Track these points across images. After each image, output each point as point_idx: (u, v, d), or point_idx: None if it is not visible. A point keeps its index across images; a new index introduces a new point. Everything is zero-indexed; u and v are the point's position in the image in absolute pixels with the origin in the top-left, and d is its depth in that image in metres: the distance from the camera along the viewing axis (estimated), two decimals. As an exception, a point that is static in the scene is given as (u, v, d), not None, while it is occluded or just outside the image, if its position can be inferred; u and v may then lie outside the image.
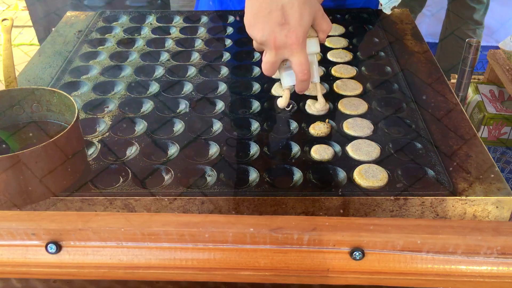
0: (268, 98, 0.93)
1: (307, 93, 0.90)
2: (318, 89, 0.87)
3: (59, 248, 0.44)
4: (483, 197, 0.71)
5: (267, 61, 0.77)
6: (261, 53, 0.83)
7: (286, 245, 0.44)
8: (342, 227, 0.44)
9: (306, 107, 0.91)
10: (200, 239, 0.45)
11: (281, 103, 0.84)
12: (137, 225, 0.44)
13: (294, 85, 0.80)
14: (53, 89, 0.77)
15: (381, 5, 1.18)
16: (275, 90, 0.95)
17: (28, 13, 3.77)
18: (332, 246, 0.44)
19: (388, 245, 0.43)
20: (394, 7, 1.20)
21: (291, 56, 0.75)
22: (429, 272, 0.45)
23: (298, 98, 0.91)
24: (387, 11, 1.17)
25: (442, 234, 0.43)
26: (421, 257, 0.44)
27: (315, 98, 0.90)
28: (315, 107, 0.89)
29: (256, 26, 0.75)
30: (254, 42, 0.80)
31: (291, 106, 0.89)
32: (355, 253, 0.45)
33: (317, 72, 0.82)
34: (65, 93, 0.76)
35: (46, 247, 0.44)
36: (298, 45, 0.74)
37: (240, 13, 1.21)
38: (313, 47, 0.79)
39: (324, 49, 1.10)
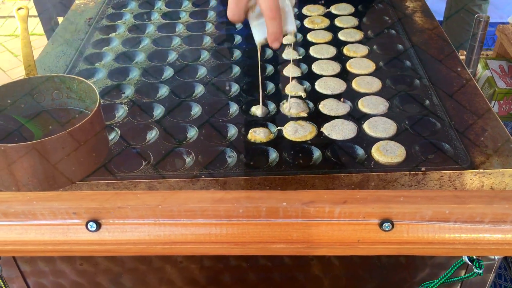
0: (282, 80, 0.94)
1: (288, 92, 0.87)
2: (291, 40, 0.77)
3: (99, 226, 0.46)
4: (501, 170, 0.72)
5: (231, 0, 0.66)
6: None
7: (317, 218, 0.46)
8: (372, 200, 0.45)
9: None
10: (234, 214, 0.46)
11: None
12: (174, 202, 0.45)
13: (266, 38, 0.71)
14: (72, 76, 0.78)
15: None
16: (286, 71, 0.96)
17: (27, 3, 3.75)
18: (362, 218, 0.46)
19: (417, 215, 0.45)
20: None
21: None
22: (457, 241, 0.46)
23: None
24: None
25: (469, 204, 0.45)
26: (449, 226, 0.46)
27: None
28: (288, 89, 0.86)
29: None
30: None
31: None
32: (384, 224, 0.46)
33: (291, 18, 0.71)
34: (85, 80, 0.77)
35: (86, 225, 0.46)
36: None
37: None
38: None
39: (335, 29, 1.10)
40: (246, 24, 1.12)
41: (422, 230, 0.46)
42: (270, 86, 0.93)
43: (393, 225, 0.46)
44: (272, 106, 0.88)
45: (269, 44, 0.71)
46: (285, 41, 0.97)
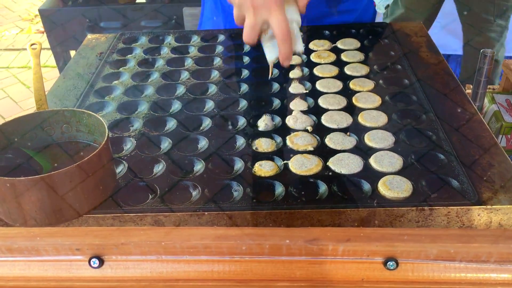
0: (289, 113, 0.95)
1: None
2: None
3: (101, 262, 0.46)
4: (509, 206, 0.72)
5: (247, 24, 0.76)
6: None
7: (321, 256, 0.46)
8: (376, 238, 0.45)
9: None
10: (237, 251, 0.46)
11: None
12: (177, 238, 0.45)
13: (278, 57, 0.80)
14: (82, 110, 0.80)
15: (375, 5, 1.20)
16: (294, 106, 0.97)
17: (40, 36, 3.86)
18: (366, 257, 0.45)
19: (422, 254, 0.44)
20: (388, 6, 1.22)
21: (270, 16, 0.75)
22: (462, 280, 0.46)
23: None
24: (381, 10, 1.19)
25: (475, 243, 0.44)
26: (455, 265, 0.45)
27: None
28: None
29: None
30: (234, 11, 0.80)
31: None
32: (389, 263, 0.46)
33: (299, 40, 0.81)
34: (94, 114, 0.78)
35: (89, 261, 0.46)
36: (276, 3, 0.73)
37: None
38: (292, 14, 0.79)
39: (341, 63, 1.11)
40: (253, 57, 1.14)
41: (427, 269, 0.45)
42: (277, 120, 0.94)
43: (397, 264, 0.45)
44: (278, 139, 0.88)
45: (280, 63, 0.80)
46: (292, 61, 1.04)
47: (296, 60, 1.11)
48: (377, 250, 0.45)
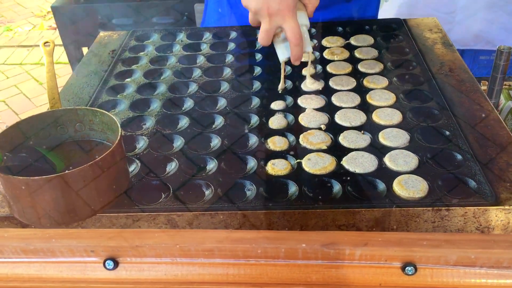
0: (302, 111, 0.94)
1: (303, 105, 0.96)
2: (309, 58, 0.99)
3: (116, 264, 0.46)
4: (528, 207, 0.70)
5: (263, 29, 0.87)
6: (258, 28, 0.92)
7: (337, 260, 0.45)
8: (394, 242, 0.44)
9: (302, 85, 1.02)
10: (252, 254, 0.45)
11: (280, 86, 1.00)
12: (192, 241, 0.45)
13: (289, 57, 0.90)
14: (95, 108, 0.80)
15: None
16: (302, 102, 0.96)
17: (53, 32, 3.88)
18: (384, 261, 0.45)
19: (441, 260, 0.43)
20: None
21: (284, 23, 0.85)
22: (483, 286, 0.45)
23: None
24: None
25: (497, 248, 0.43)
26: (475, 271, 0.44)
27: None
28: (306, 86, 1.01)
29: None
30: (250, 16, 0.89)
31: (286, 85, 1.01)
32: (407, 268, 0.45)
33: (308, 42, 0.91)
34: (107, 113, 0.78)
35: (104, 263, 0.46)
36: (290, 11, 0.84)
37: None
38: (302, 19, 0.89)
39: (355, 60, 1.10)
40: (265, 55, 1.13)
41: (446, 274, 0.44)
42: (290, 118, 0.93)
43: (416, 269, 0.45)
44: (292, 138, 0.87)
45: (292, 62, 0.91)
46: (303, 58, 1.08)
47: (307, 57, 1.10)
48: (395, 255, 0.44)
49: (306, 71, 1.03)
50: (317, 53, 1.14)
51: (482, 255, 0.43)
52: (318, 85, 1.01)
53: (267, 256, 0.45)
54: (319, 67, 1.08)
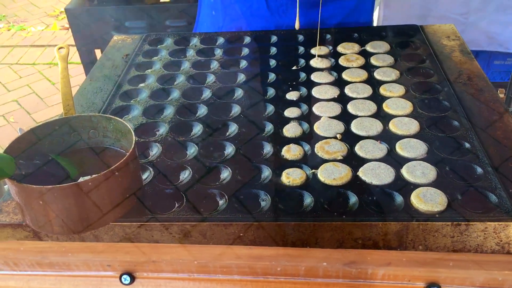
0: (317, 119, 0.93)
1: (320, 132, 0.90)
2: (317, 37, 1.07)
3: (133, 279, 0.45)
4: (551, 223, 0.68)
5: None
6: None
7: (359, 279, 0.44)
8: (418, 262, 0.42)
9: None
10: (271, 272, 0.44)
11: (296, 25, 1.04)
12: (209, 257, 0.44)
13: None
14: (109, 116, 0.79)
15: None
16: (317, 110, 0.95)
17: (65, 33, 3.90)
18: (408, 281, 0.43)
19: (467, 281, 0.42)
20: None
21: None
22: (510, 308, 0.43)
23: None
24: None
25: (525, 270, 0.41)
26: (502, 293, 0.43)
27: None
28: (315, 62, 1.08)
29: None
30: None
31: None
32: (431, 288, 0.43)
33: None
34: (121, 120, 0.77)
35: (120, 278, 0.45)
36: None
37: None
38: None
39: (371, 67, 1.09)
40: (279, 61, 1.12)
41: (472, 296, 0.43)
42: (305, 127, 0.91)
43: (440, 290, 0.43)
44: (307, 147, 0.86)
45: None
46: (321, 64, 1.12)
47: (324, 63, 1.11)
48: (419, 275, 0.42)
49: (315, 50, 1.13)
50: (333, 60, 1.12)
51: (509, 277, 0.42)
52: (327, 63, 1.08)
53: (286, 274, 0.44)
54: (334, 73, 1.07)
